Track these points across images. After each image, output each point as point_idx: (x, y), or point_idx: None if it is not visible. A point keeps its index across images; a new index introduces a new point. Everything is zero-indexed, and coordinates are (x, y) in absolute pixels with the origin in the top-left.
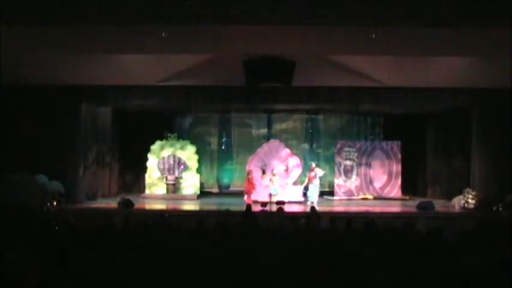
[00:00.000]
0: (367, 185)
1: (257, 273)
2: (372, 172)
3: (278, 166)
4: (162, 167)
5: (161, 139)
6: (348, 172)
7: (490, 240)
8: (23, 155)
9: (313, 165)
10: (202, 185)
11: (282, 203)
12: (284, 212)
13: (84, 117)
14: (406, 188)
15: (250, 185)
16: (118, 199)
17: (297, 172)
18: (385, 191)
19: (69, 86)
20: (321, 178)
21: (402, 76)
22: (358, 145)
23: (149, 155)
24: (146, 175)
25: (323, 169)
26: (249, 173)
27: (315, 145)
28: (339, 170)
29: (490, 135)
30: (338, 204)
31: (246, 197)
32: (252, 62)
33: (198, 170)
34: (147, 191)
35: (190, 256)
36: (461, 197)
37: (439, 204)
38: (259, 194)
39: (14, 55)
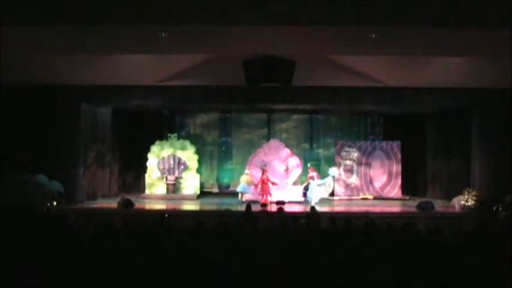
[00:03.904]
0: (367, 185)
1: (257, 273)
2: (372, 172)
3: (278, 166)
4: (162, 167)
5: (161, 139)
6: (348, 172)
7: (490, 240)
8: (23, 155)
9: (309, 165)
10: (202, 185)
11: (282, 203)
12: (284, 212)
13: (84, 117)
14: (406, 188)
15: (265, 185)
16: (118, 199)
17: (297, 172)
18: (385, 191)
19: (69, 86)
20: (334, 178)
21: (402, 76)
22: (358, 145)
23: (149, 155)
24: (146, 175)
25: (326, 169)
26: (263, 173)
27: (315, 145)
28: (338, 170)
29: (490, 135)
30: (338, 204)
31: (261, 197)
32: (252, 62)
33: (198, 170)
34: (147, 191)
35: (190, 256)
36: (461, 197)
37: (439, 204)
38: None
39: (14, 55)
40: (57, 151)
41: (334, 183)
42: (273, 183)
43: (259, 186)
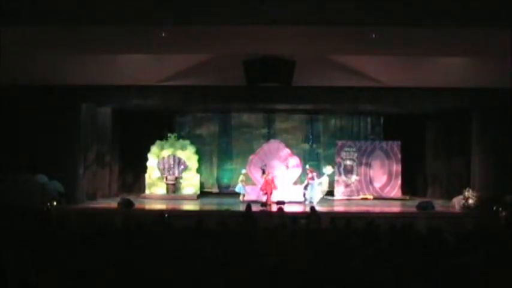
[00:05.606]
0: (367, 185)
1: (257, 273)
2: (372, 172)
3: (278, 166)
4: (162, 167)
5: (161, 139)
6: (348, 172)
7: (490, 240)
8: (23, 155)
9: (307, 167)
10: (202, 185)
11: (282, 203)
12: (284, 212)
13: (84, 117)
14: (406, 188)
15: (269, 185)
16: (118, 199)
17: (297, 172)
18: (385, 191)
19: (69, 86)
20: (329, 176)
21: (402, 76)
22: (358, 145)
23: (149, 155)
24: (146, 175)
25: (327, 168)
26: (269, 173)
27: (315, 145)
28: (339, 170)
29: (490, 135)
30: (338, 204)
31: (265, 197)
32: (252, 62)
33: (198, 170)
34: (147, 191)
35: (190, 256)
36: (461, 197)
37: (439, 204)
38: (257, 194)
39: (14, 55)
40: (57, 151)
41: (328, 181)
42: (275, 187)
43: (264, 185)
